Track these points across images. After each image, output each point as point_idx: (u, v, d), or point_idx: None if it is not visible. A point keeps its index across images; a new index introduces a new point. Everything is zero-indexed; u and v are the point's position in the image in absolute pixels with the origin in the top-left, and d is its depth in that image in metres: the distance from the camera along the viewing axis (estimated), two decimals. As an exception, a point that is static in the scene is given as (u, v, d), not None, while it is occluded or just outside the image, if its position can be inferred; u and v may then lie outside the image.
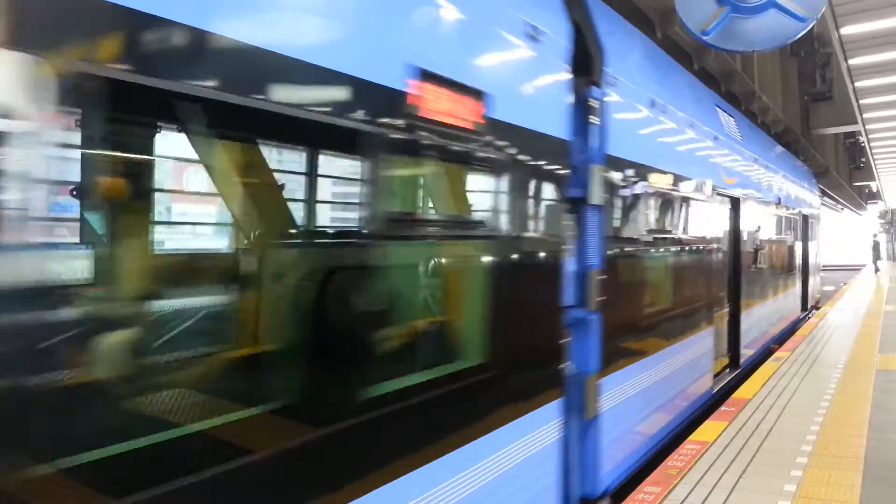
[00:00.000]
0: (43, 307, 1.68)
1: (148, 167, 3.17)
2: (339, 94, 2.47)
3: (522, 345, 3.64)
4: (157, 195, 3.38)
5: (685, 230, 6.73)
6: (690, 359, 6.71)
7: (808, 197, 16.45)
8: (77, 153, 2.54)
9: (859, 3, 12.77)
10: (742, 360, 9.09)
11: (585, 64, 4.39)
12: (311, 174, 4.31)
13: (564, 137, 4.09)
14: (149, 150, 3.07)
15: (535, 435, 3.71)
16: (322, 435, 2.43)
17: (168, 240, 4.60)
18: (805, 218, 15.59)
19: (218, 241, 5.00)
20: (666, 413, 6.13)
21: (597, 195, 4.34)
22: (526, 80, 3.76)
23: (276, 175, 3.79)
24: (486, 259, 3.35)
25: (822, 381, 7.81)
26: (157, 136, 3.05)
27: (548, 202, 3.99)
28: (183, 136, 2.84)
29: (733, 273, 8.83)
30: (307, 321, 2.72)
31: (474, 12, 3.32)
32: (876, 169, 40.98)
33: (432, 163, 3.17)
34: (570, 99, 4.18)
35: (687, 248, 6.80)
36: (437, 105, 2.94)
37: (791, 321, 13.71)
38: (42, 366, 1.68)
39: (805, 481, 4.67)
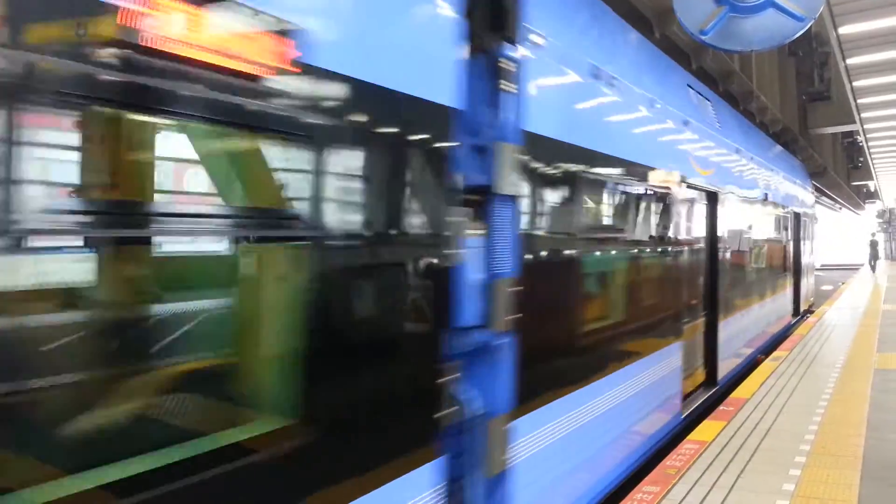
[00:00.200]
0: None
1: None
2: None
3: (362, 390, 2.50)
4: None
5: (643, 228, 5.67)
6: (650, 382, 5.61)
7: (800, 194, 15.29)
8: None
9: (857, 2, 12.80)
10: (720, 377, 8.02)
11: (495, 14, 3.33)
12: None
13: (453, 105, 2.98)
14: None
15: None
16: None
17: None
18: (797, 216, 14.55)
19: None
20: (614, 452, 5.04)
21: (508, 183, 3.26)
22: (377, 18, 2.63)
23: None
24: (302, 269, 2.30)
25: (821, 381, 7.81)
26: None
27: (417, 189, 2.85)
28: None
29: (710, 277, 7.83)
30: None
31: None
32: (874, 168, 41.05)
33: (198, 123, 2.15)
34: (465, 55, 3.09)
35: (647, 250, 5.79)
36: (186, 29, 1.86)
37: (781, 327, 12.66)
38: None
39: (804, 480, 4.67)
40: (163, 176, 2.80)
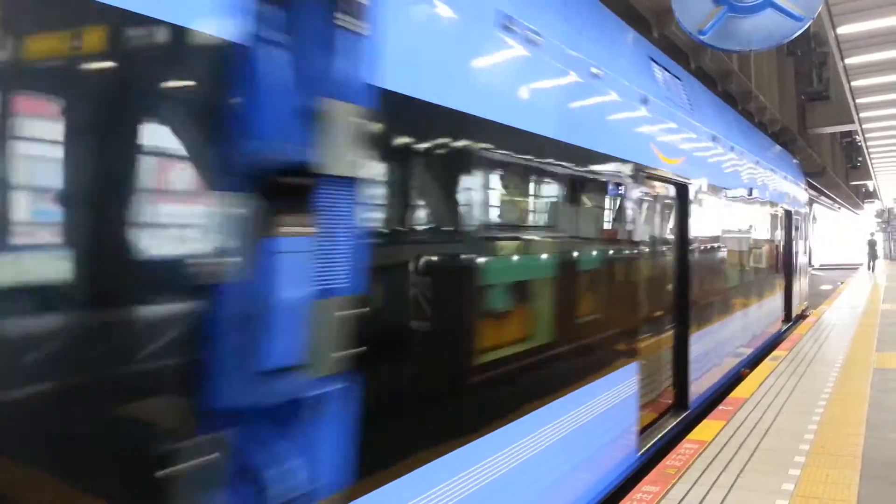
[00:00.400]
0: None
1: None
2: None
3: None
4: None
5: (582, 225, 4.60)
6: (587, 420, 4.41)
7: (793, 191, 14.27)
8: None
9: (856, 2, 12.81)
10: (692, 399, 6.83)
11: None
12: None
13: (237, 40, 2.00)
14: None
15: None
16: None
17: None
18: (789, 214, 13.58)
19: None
20: None
21: (345, 161, 2.26)
22: None
23: None
24: None
25: (820, 380, 7.81)
26: None
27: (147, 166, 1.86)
28: None
29: (681, 283, 6.72)
30: None
31: None
32: (872, 168, 41.08)
33: None
34: None
35: (587, 253, 4.64)
36: None
37: (770, 335, 11.60)
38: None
39: (803, 480, 4.67)
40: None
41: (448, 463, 2.99)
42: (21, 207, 1.59)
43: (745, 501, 4.36)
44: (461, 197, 3.25)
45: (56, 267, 1.64)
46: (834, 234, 62.99)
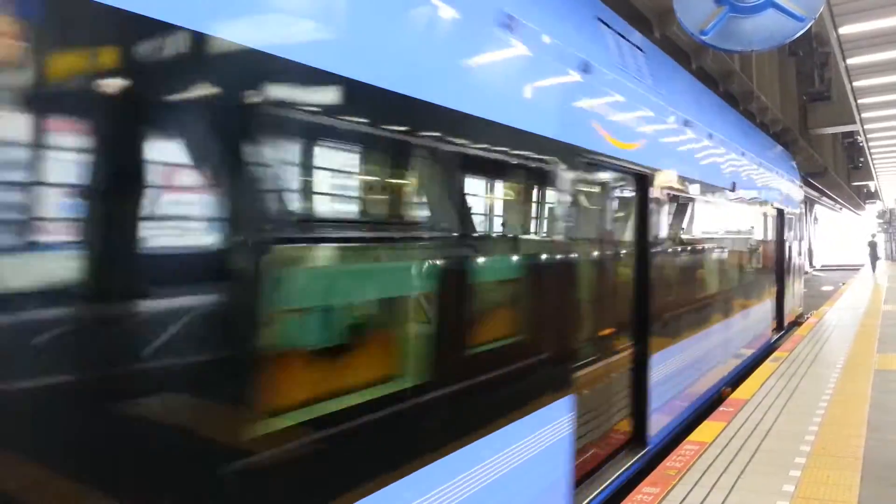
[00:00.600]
0: None
1: None
2: None
3: None
4: None
5: (476, 220, 3.58)
6: (486, 482, 3.31)
7: (785, 188, 13.03)
8: None
9: (857, 2, 12.80)
10: (652, 434, 5.70)
11: None
12: None
13: None
14: None
15: None
16: None
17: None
18: (781, 213, 12.44)
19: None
20: None
21: None
22: None
23: None
24: None
25: (821, 381, 7.80)
26: None
27: None
28: None
29: (639, 293, 5.62)
30: None
31: None
32: (874, 169, 41.09)
33: None
34: None
35: (481, 258, 3.47)
36: None
37: (759, 347, 10.47)
38: None
39: (804, 481, 4.66)
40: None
41: None
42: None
43: (745, 503, 4.35)
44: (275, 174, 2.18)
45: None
46: (835, 235, 63.04)
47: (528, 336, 3.84)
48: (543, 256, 4.09)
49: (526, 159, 3.78)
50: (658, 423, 5.89)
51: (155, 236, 1.85)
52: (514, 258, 3.92)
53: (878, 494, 4.42)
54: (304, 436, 2.30)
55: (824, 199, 44.67)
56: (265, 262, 2.13)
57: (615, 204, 5.43)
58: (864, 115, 22.42)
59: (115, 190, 1.76)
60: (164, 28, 1.84)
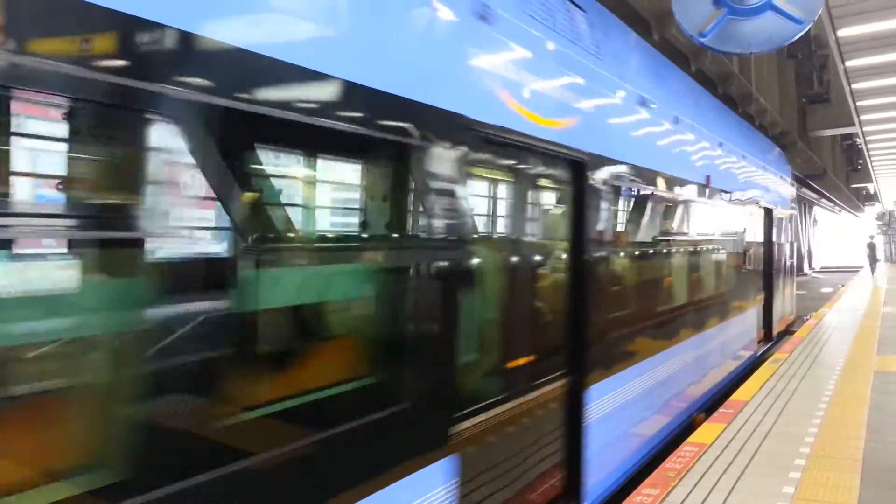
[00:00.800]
0: None
1: None
2: None
3: None
4: None
5: (323, 214, 3.23)
6: None
7: (774, 185, 11.96)
8: None
9: (856, 4, 12.82)
10: (590, 485, 4.61)
11: None
12: None
13: None
14: None
15: None
16: None
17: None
18: (769, 213, 11.34)
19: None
20: None
21: None
22: None
23: None
24: None
25: (820, 383, 7.80)
26: None
27: None
28: None
29: (574, 308, 4.51)
30: None
31: None
32: (873, 171, 41.12)
33: None
34: None
35: (334, 266, 2.91)
36: None
37: (741, 363, 9.45)
38: None
39: (803, 483, 4.66)
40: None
41: None
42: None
43: (745, 505, 4.35)
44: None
45: None
46: (834, 237, 63.11)
47: (374, 377, 2.81)
48: (402, 263, 2.98)
49: (372, 128, 2.67)
50: (600, 469, 4.76)
51: None
52: (353, 266, 2.98)
53: (877, 496, 4.42)
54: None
55: (823, 201, 44.75)
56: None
57: (535, 194, 4.32)
58: (862, 117, 22.45)
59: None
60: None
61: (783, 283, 12.74)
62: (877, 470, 4.89)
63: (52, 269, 2.17)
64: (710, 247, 8.03)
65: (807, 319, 14.92)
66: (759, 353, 10.52)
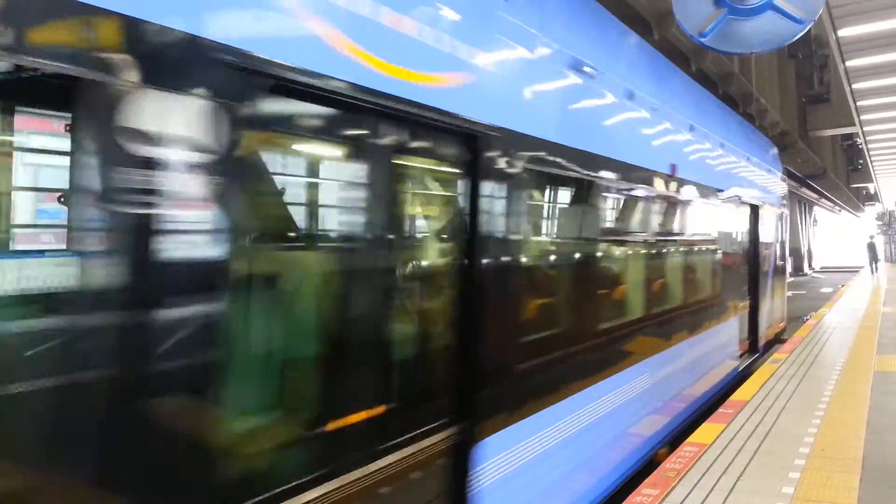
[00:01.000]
0: None
1: None
2: None
3: None
4: None
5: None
6: None
7: (761, 180, 10.67)
8: None
9: (857, 4, 12.82)
10: None
11: None
12: None
13: None
14: None
15: None
16: None
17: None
18: (755, 210, 10.19)
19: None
20: None
21: None
22: None
23: None
24: None
25: (820, 383, 7.80)
26: None
27: None
28: None
29: (464, 334, 3.40)
30: None
31: None
32: (874, 171, 41.15)
33: None
34: None
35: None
36: None
37: (718, 381, 8.19)
38: None
39: (803, 483, 4.66)
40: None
41: None
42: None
43: (744, 505, 4.36)
44: None
45: None
46: (835, 236, 63.13)
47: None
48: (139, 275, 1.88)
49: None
50: None
51: None
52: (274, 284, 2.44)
53: (877, 496, 4.42)
54: None
55: (823, 200, 44.77)
56: None
57: (392, 177, 3.03)
58: (863, 117, 22.45)
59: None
60: None
61: (772, 288, 11.43)
62: (877, 470, 4.89)
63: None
64: (675, 248, 6.79)
65: (807, 319, 14.92)
66: (741, 368, 9.24)
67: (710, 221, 7.85)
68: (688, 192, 6.91)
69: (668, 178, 6.24)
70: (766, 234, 10.94)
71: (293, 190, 3.54)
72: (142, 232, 1.86)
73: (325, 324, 2.78)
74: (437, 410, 3.22)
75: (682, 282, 6.88)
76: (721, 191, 8.10)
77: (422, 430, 3.08)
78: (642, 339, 5.80)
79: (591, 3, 5.52)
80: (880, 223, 50.73)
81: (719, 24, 7.49)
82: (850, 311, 15.60)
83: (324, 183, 3.63)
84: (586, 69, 4.72)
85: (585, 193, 4.96)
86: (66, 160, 2.48)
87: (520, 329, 3.87)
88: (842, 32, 14.23)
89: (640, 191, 5.79)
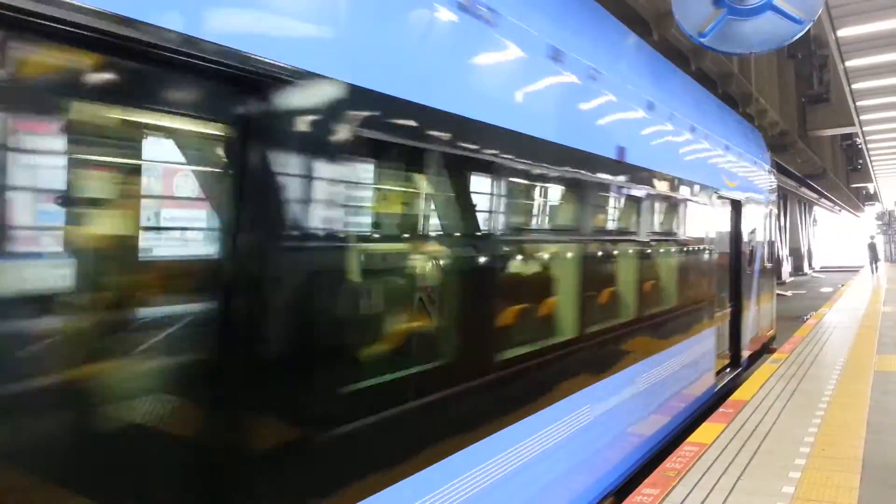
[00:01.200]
0: None
1: None
2: None
3: None
4: None
5: None
6: None
7: (744, 171, 9.46)
8: None
9: (856, 5, 12.83)
10: None
11: None
12: None
13: None
14: None
15: None
16: None
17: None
18: (737, 206, 9.02)
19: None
20: None
21: None
22: None
23: None
24: None
25: (821, 383, 7.80)
26: None
27: None
28: None
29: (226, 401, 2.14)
30: None
31: None
32: (873, 170, 41.17)
33: None
34: None
35: None
36: None
37: (688, 404, 6.93)
38: None
39: (803, 483, 4.66)
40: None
41: None
42: None
43: (745, 504, 4.36)
44: None
45: None
46: (835, 236, 63.18)
47: None
48: None
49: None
50: None
51: None
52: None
53: (877, 496, 4.42)
54: None
55: (823, 200, 44.78)
56: None
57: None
58: (862, 117, 22.47)
59: None
60: None
61: (758, 293, 10.18)
62: (877, 469, 4.89)
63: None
64: (622, 251, 5.48)
65: (807, 319, 14.93)
66: (719, 387, 8.01)
67: (674, 218, 6.60)
68: (642, 182, 5.62)
69: (614, 164, 5.04)
70: (750, 232, 9.76)
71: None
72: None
73: None
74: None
75: (632, 292, 5.50)
76: (690, 182, 6.90)
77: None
78: (597, 355, 4.77)
79: None
80: (880, 223, 50.74)
81: (719, 25, 7.49)
82: (850, 311, 15.60)
83: None
84: (491, 18, 3.53)
85: (501, 176, 3.64)
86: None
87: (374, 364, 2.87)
88: (841, 32, 14.24)
89: (571, 177, 4.49)
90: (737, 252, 9.07)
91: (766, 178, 11.12)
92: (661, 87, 6.59)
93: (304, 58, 2.37)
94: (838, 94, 21.87)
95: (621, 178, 5.26)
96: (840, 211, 57.32)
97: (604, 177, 4.95)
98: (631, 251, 5.62)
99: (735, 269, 9.03)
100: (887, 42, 15.19)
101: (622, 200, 5.54)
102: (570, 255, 4.64)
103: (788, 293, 27.31)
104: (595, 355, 4.81)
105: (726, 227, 8.73)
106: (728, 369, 8.78)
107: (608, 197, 5.26)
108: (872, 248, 36.62)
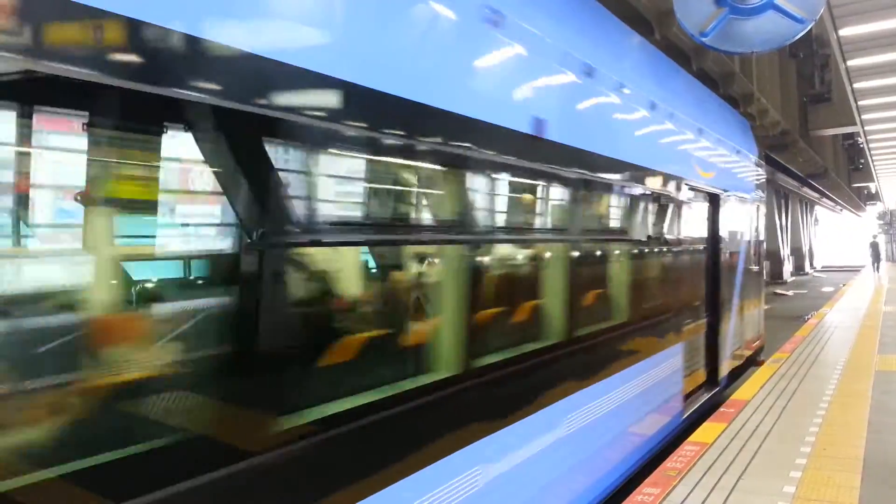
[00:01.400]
0: None
1: None
2: None
3: None
4: None
5: None
6: None
7: (724, 162, 8.33)
8: None
9: (858, 4, 12.81)
10: None
11: None
12: None
13: None
14: None
15: None
16: None
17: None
18: (715, 201, 8.00)
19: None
20: None
21: None
22: None
23: None
24: None
25: (821, 382, 7.80)
26: None
27: None
28: None
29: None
30: None
31: None
32: (875, 170, 41.11)
33: None
34: None
35: None
36: None
37: (637, 446, 5.64)
38: None
39: (804, 483, 4.66)
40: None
41: None
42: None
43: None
44: None
45: None
46: (836, 236, 63.13)
47: None
48: None
49: None
50: None
51: None
52: None
53: (878, 496, 4.42)
54: None
55: (825, 200, 44.75)
56: None
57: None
58: (864, 116, 22.43)
59: None
60: None
61: (740, 300, 9.04)
62: (878, 469, 4.88)
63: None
64: (563, 252, 4.37)
65: (808, 318, 14.92)
66: (683, 417, 6.77)
67: (623, 214, 5.46)
68: (582, 167, 4.48)
69: (534, 141, 3.85)
70: (732, 231, 8.66)
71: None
72: None
73: None
74: None
75: (559, 305, 4.28)
76: (647, 170, 5.72)
77: None
78: (507, 390, 3.65)
79: None
80: (881, 222, 50.67)
81: (720, 24, 7.48)
82: (851, 311, 15.59)
83: None
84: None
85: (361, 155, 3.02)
86: None
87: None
88: (843, 32, 14.22)
89: (502, 163, 3.64)
90: (714, 254, 7.96)
91: (752, 171, 9.89)
92: (613, 55, 5.45)
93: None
94: (840, 94, 21.85)
95: (549, 162, 4.08)
96: (841, 210, 57.29)
97: (521, 160, 3.78)
98: (564, 255, 4.37)
99: (712, 273, 7.91)
100: (889, 41, 15.16)
101: (550, 190, 4.47)
102: (475, 257, 3.38)
103: (790, 292, 27.36)
104: (501, 392, 3.57)
105: (700, 225, 7.61)
106: (703, 389, 7.58)
107: (528, 184, 4.30)
108: (875, 247, 36.56)
